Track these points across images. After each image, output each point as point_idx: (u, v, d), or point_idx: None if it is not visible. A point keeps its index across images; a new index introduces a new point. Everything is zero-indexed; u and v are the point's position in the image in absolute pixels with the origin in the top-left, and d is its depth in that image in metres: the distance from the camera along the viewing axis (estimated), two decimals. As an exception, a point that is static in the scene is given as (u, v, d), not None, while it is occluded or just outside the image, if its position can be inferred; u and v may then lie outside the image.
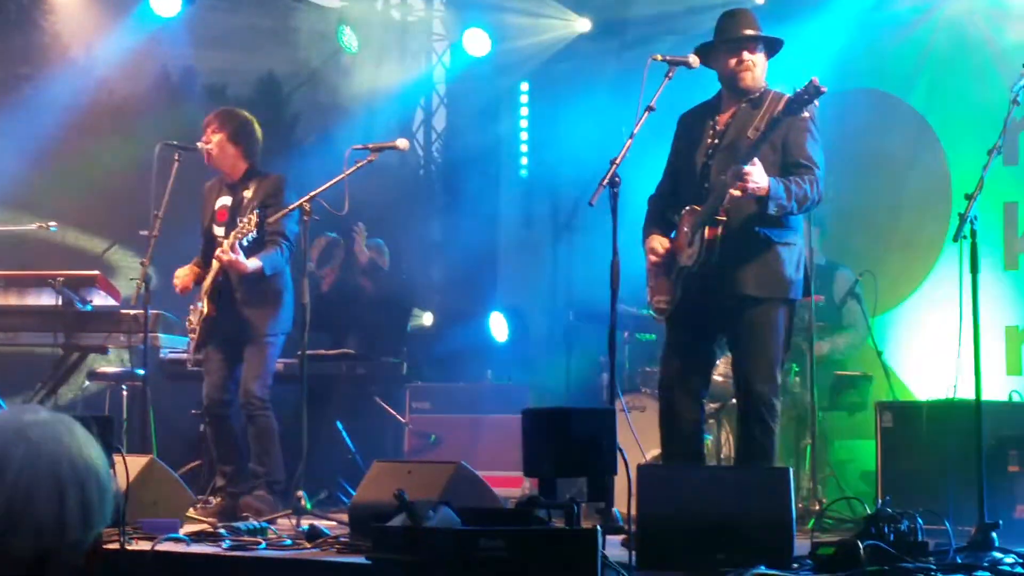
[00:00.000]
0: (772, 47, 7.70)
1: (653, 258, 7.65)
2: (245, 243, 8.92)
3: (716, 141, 7.60)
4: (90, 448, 2.57)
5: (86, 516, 2.51)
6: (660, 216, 7.82)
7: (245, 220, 8.94)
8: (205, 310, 9.06)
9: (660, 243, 7.64)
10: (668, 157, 7.95)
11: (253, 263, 8.94)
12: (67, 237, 11.81)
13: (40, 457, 2.49)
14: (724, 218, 7.31)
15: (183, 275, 9.26)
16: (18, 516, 2.44)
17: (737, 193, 7.12)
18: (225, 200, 9.27)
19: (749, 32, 7.61)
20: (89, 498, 2.52)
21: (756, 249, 7.38)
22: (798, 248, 7.50)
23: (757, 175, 7.06)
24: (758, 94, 7.56)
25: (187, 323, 9.35)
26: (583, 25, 14.00)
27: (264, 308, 9.16)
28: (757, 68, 7.59)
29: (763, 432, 7.43)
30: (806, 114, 7.19)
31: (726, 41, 7.64)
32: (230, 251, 8.84)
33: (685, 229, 7.52)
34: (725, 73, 7.66)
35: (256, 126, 9.46)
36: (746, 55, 7.57)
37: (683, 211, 7.57)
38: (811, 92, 7.06)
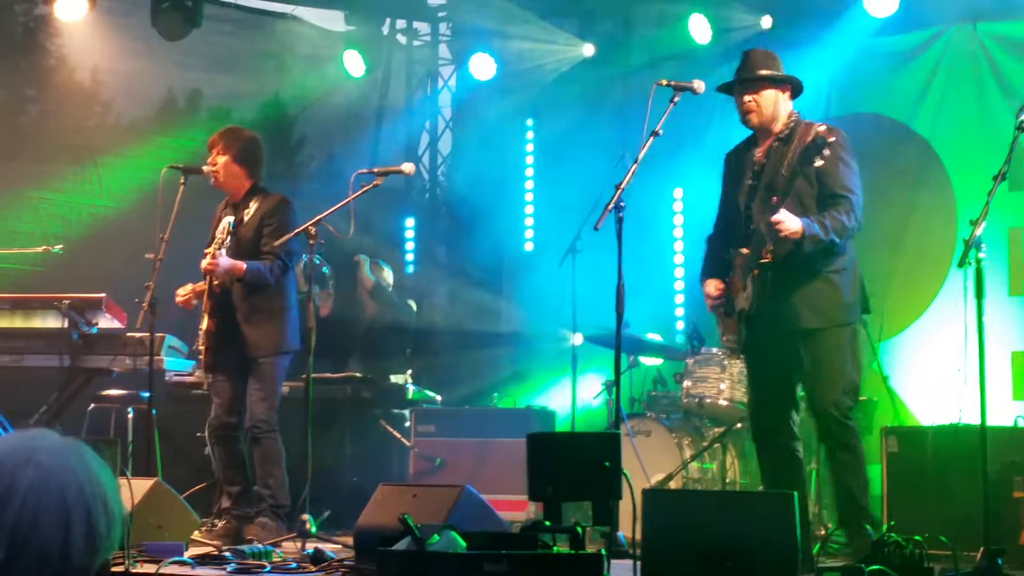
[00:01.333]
0: (787, 82, 7.76)
1: (710, 302, 7.85)
2: (223, 251, 8.94)
3: (753, 182, 7.72)
4: (99, 473, 2.56)
5: (92, 542, 2.50)
6: (716, 257, 7.98)
7: (220, 231, 9.01)
8: (205, 325, 9.06)
9: (715, 287, 7.83)
10: (720, 196, 8.07)
11: (234, 263, 8.93)
12: (72, 259, 11.80)
13: (48, 482, 2.48)
14: (769, 260, 7.46)
15: (185, 291, 9.26)
16: (23, 541, 2.43)
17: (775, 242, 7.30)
18: (228, 219, 9.28)
19: (756, 72, 7.71)
20: (96, 524, 2.50)
21: (807, 282, 7.55)
22: (849, 272, 7.63)
23: (788, 222, 7.21)
24: (787, 130, 7.65)
25: (196, 344, 9.36)
26: (588, 50, 14.03)
27: (267, 326, 9.15)
28: (763, 107, 7.67)
29: (849, 453, 7.58)
30: (832, 138, 7.24)
31: (735, 83, 7.79)
32: (210, 258, 8.89)
33: (738, 272, 7.68)
34: (739, 114, 7.81)
35: (260, 144, 9.48)
36: (746, 98, 7.70)
37: (735, 254, 7.71)
38: (819, 144, 7.15)
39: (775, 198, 7.29)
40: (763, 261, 7.45)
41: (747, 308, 7.59)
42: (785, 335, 7.58)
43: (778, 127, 7.67)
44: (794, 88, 7.81)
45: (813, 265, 7.50)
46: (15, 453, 2.51)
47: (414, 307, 12.84)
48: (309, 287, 8.80)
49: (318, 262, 12.26)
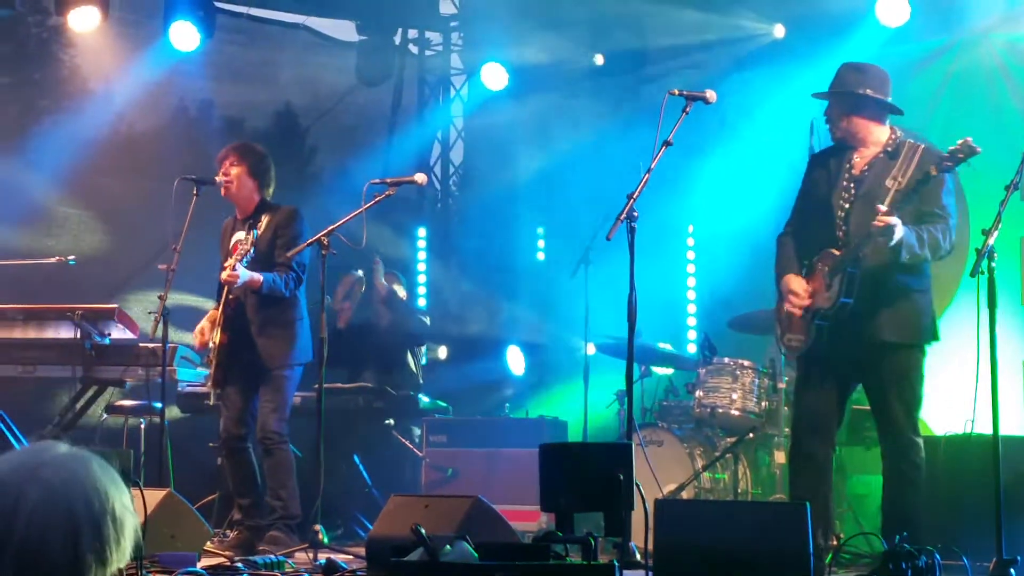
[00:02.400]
0: (873, 102, 7.74)
1: (795, 299, 7.71)
2: (245, 264, 8.94)
3: (854, 187, 7.67)
4: (108, 485, 2.55)
5: (102, 555, 2.49)
6: (793, 255, 7.91)
7: (243, 240, 9.01)
8: (217, 339, 9.06)
9: (799, 284, 7.73)
10: (798, 196, 8.03)
11: (252, 275, 8.95)
12: (86, 270, 11.82)
13: (55, 497, 2.47)
14: (861, 265, 7.44)
15: (201, 331, 9.26)
16: (32, 558, 2.43)
17: (880, 240, 7.26)
18: (239, 236, 9.27)
19: (834, 89, 7.75)
20: (105, 537, 2.50)
21: (893, 295, 7.51)
22: (929, 294, 7.66)
23: (898, 226, 7.20)
24: (894, 144, 7.62)
25: (207, 358, 9.36)
26: (598, 59, 14.04)
27: (280, 338, 9.16)
28: (842, 124, 7.68)
29: (913, 468, 7.53)
30: (947, 164, 7.25)
31: (824, 96, 7.82)
32: (231, 270, 8.88)
33: (823, 272, 7.61)
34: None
35: (271, 160, 9.49)
36: (828, 112, 7.74)
37: (821, 253, 7.66)
38: (965, 151, 7.16)
39: (882, 208, 7.26)
40: (852, 270, 7.41)
41: (827, 307, 7.51)
42: (862, 344, 7.52)
43: (868, 143, 7.67)
44: (879, 105, 7.77)
45: (902, 280, 7.50)
46: (20, 470, 2.50)
47: (426, 319, 12.84)
48: (322, 298, 8.80)
49: (362, 275, 12.31)
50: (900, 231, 7.20)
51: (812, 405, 7.76)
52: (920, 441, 7.57)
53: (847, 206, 7.65)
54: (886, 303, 7.50)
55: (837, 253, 7.54)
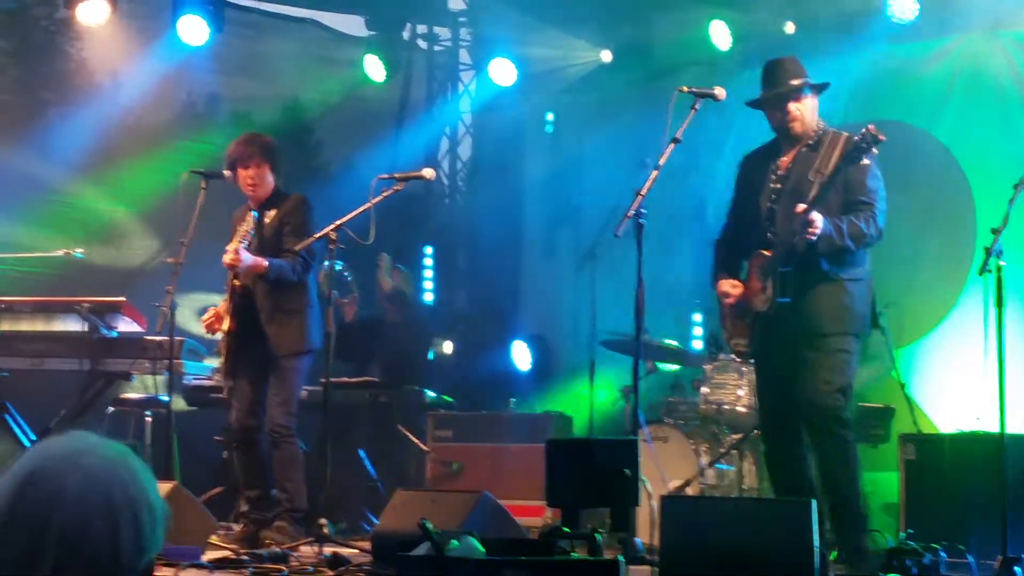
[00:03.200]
0: (822, 87, 7.75)
1: (729, 301, 7.72)
2: (244, 246, 8.95)
3: (779, 185, 7.65)
4: (142, 475, 2.58)
5: (140, 543, 2.51)
6: (727, 260, 7.90)
7: (244, 226, 9.03)
8: (226, 326, 9.07)
9: (732, 286, 7.72)
10: (731, 200, 8.02)
11: (258, 260, 8.95)
12: (94, 263, 11.84)
13: (95, 486, 2.49)
14: (792, 263, 7.39)
15: (209, 316, 9.28)
16: (74, 546, 2.45)
17: (799, 239, 7.22)
18: (250, 224, 9.27)
19: (794, 82, 7.64)
20: (142, 525, 2.52)
21: (825, 288, 7.46)
22: (864, 283, 7.58)
23: (818, 221, 7.17)
24: (815, 137, 7.60)
25: (218, 347, 9.38)
26: (605, 56, 14.05)
27: (288, 326, 9.15)
28: (805, 114, 7.63)
29: (836, 444, 7.43)
30: (865, 161, 7.23)
31: (771, 96, 7.71)
32: (233, 252, 8.89)
33: (756, 274, 7.59)
34: (774, 124, 7.76)
35: (282, 149, 9.53)
36: (791, 106, 7.64)
37: (752, 255, 7.63)
38: (868, 141, 7.14)
39: (800, 206, 7.24)
40: (783, 269, 7.38)
41: (765, 310, 7.50)
42: (797, 339, 7.48)
43: (809, 133, 7.63)
44: (819, 91, 7.77)
45: (832, 271, 7.45)
46: (61, 457, 2.52)
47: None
48: (329, 292, 8.80)
49: (340, 268, 12.30)
50: (819, 225, 7.16)
51: (772, 406, 7.77)
52: (847, 417, 7.45)
53: (772, 205, 7.64)
54: (818, 296, 7.46)
55: (767, 254, 7.50)
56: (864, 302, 7.56)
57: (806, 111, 7.64)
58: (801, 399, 7.53)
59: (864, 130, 7.18)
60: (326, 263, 11.37)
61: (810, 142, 7.61)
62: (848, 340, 7.51)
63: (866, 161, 7.27)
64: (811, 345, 7.46)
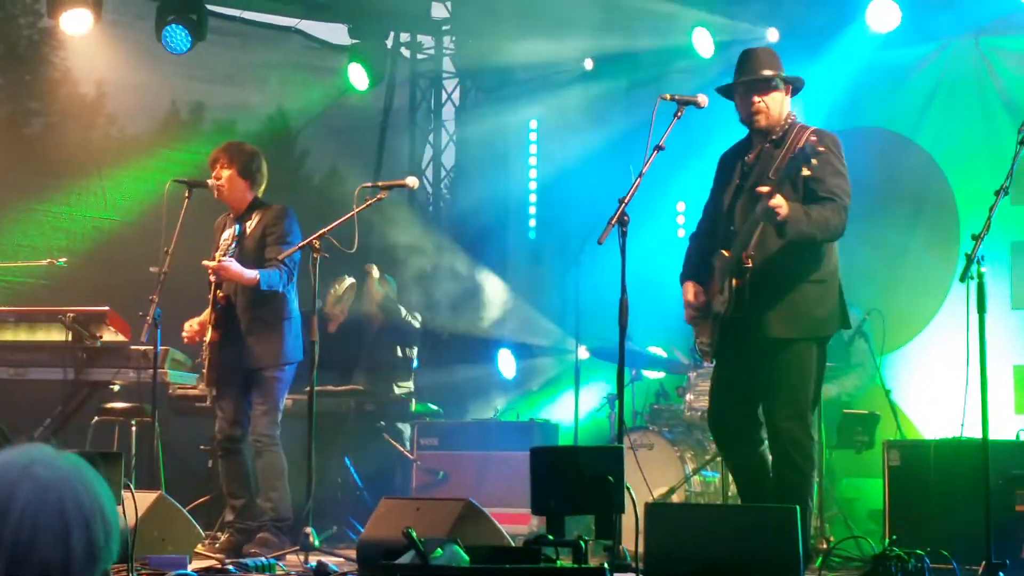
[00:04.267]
0: (794, 82, 7.63)
1: (688, 310, 7.64)
2: (232, 254, 8.96)
3: (740, 183, 7.55)
4: (96, 486, 2.57)
5: (92, 554, 2.51)
6: (698, 257, 7.77)
7: (226, 237, 9.03)
8: (208, 337, 9.08)
9: (694, 292, 7.60)
10: (709, 195, 7.91)
11: (248, 270, 8.96)
12: (76, 273, 11.81)
13: (46, 496, 2.49)
14: (750, 265, 7.28)
15: (191, 327, 9.28)
16: (23, 556, 2.45)
17: (759, 214, 7.09)
18: (231, 233, 9.27)
19: (764, 73, 7.54)
20: (95, 537, 2.52)
21: (785, 289, 7.34)
22: (828, 284, 7.43)
23: (783, 205, 6.99)
24: (780, 133, 7.45)
25: (200, 358, 9.38)
26: (589, 63, 14.05)
27: (267, 339, 9.16)
28: (772, 109, 7.50)
29: (792, 472, 7.33)
30: (822, 147, 7.13)
31: (739, 84, 7.62)
32: (217, 262, 8.89)
33: (716, 274, 7.49)
34: (742, 116, 7.64)
35: (262, 158, 9.50)
36: (755, 98, 7.51)
37: (716, 255, 7.51)
38: (808, 152, 6.99)
39: (763, 188, 7.12)
40: (745, 266, 7.26)
41: (723, 312, 7.38)
42: (755, 343, 7.38)
43: (779, 128, 7.48)
44: (795, 88, 7.67)
45: (794, 271, 7.32)
46: (11, 468, 2.52)
47: (417, 323, 12.83)
48: (313, 301, 8.80)
49: (352, 280, 12.32)
50: (785, 207, 6.99)
51: (723, 409, 7.63)
52: (808, 443, 7.36)
53: (735, 203, 7.52)
54: (778, 299, 7.32)
55: (727, 254, 7.38)
56: (828, 304, 7.42)
57: (773, 104, 7.50)
58: (766, 418, 7.49)
59: (805, 139, 7.11)
60: (349, 278, 11.40)
61: (775, 138, 7.47)
62: (810, 348, 7.39)
63: (822, 149, 7.15)
64: (771, 352, 7.36)
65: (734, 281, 7.31)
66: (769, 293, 7.32)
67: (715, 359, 7.71)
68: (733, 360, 7.56)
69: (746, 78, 7.58)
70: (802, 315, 7.36)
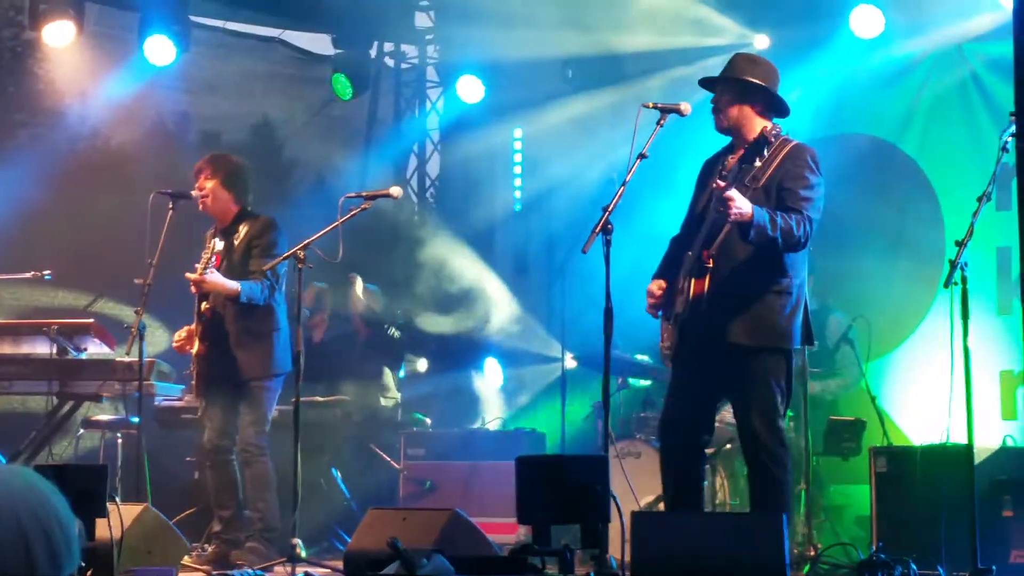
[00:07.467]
0: (763, 95, 7.50)
1: (650, 300, 7.53)
2: (209, 270, 8.94)
3: (715, 187, 7.43)
4: (49, 496, 2.59)
5: (55, 559, 2.54)
6: (671, 258, 7.68)
7: (207, 251, 9.02)
8: (196, 349, 9.07)
9: (657, 286, 7.51)
10: (691, 198, 7.84)
11: (229, 282, 8.95)
12: (61, 285, 11.79)
13: (1, 514, 2.49)
14: (711, 265, 7.20)
15: (180, 337, 9.28)
16: (-13, 568, 2.46)
17: (721, 211, 7.01)
18: (218, 245, 9.27)
19: (726, 74, 7.52)
20: (55, 543, 2.54)
21: (746, 296, 7.23)
22: (791, 296, 7.28)
23: (738, 200, 6.88)
24: (759, 142, 7.23)
25: (188, 369, 9.37)
26: (569, 73, 14.05)
27: (257, 349, 9.17)
28: (731, 111, 7.44)
29: (768, 482, 7.29)
30: (799, 162, 7.12)
31: (705, 83, 7.64)
32: (199, 273, 8.88)
33: (682, 274, 7.40)
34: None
35: (247, 169, 9.50)
36: (714, 98, 7.51)
37: (685, 256, 7.45)
38: (779, 168, 7.01)
39: (719, 182, 7.06)
40: (706, 266, 7.19)
41: (681, 312, 7.31)
42: (712, 347, 7.27)
43: (751, 137, 7.30)
44: (768, 100, 7.52)
45: (756, 278, 7.23)
46: None
47: (396, 334, 12.80)
48: (298, 311, 8.79)
49: (322, 285, 12.29)
50: (748, 207, 6.88)
51: (675, 415, 7.52)
52: (781, 452, 7.29)
53: (708, 207, 7.42)
54: (739, 304, 7.22)
55: (691, 254, 7.33)
56: (787, 316, 7.27)
57: (732, 110, 7.44)
58: (738, 427, 7.46)
59: (784, 153, 7.15)
60: (318, 284, 11.39)
61: (755, 146, 7.24)
62: (777, 359, 7.28)
63: (808, 173, 7.16)
64: (736, 359, 7.27)
65: (694, 282, 7.25)
66: (728, 296, 7.21)
67: (672, 362, 7.58)
68: (689, 363, 7.45)
69: (712, 76, 7.59)
70: (762, 323, 7.25)
